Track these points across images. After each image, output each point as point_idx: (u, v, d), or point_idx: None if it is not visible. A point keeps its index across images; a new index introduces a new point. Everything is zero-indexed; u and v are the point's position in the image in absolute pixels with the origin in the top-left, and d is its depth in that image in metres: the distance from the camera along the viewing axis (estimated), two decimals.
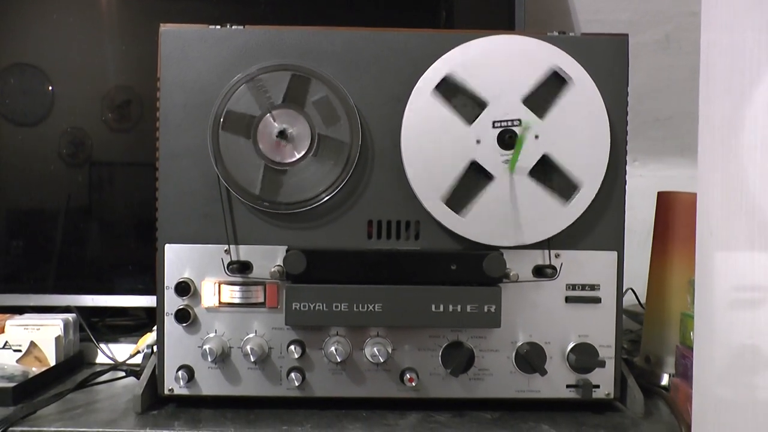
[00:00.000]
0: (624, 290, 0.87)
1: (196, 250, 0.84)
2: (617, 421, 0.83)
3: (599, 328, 0.85)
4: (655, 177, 1.32)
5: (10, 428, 0.77)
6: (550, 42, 0.83)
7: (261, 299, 0.84)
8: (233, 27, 0.84)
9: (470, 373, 0.85)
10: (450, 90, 0.83)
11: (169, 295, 0.84)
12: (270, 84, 0.82)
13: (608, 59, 0.84)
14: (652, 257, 1.00)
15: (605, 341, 0.85)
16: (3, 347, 0.97)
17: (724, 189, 0.63)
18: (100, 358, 1.05)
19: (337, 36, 0.84)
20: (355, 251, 0.82)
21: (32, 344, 0.97)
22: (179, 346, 0.84)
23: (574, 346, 0.85)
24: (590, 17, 1.32)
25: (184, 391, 0.84)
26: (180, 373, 0.83)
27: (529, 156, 0.82)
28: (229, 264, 0.83)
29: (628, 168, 0.85)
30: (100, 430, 0.78)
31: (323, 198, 0.83)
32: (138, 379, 0.86)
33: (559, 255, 0.85)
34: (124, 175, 1.14)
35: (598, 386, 0.85)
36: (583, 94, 0.83)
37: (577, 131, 0.83)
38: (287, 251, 0.82)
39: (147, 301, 1.10)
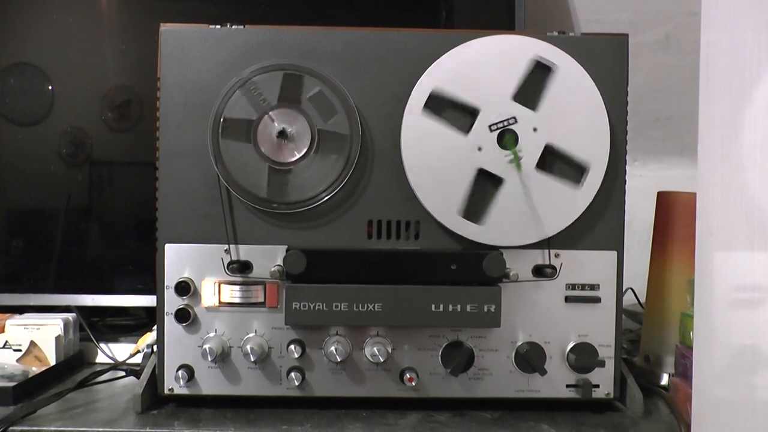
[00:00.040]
0: (624, 290, 0.87)
1: (196, 249, 0.84)
2: (617, 421, 0.83)
3: (599, 327, 0.85)
4: (655, 177, 1.32)
5: (10, 428, 0.77)
6: (550, 42, 0.83)
7: (261, 299, 0.84)
8: (233, 27, 0.84)
9: (470, 373, 0.85)
10: (440, 105, 0.83)
11: (169, 294, 0.84)
12: (264, 86, 0.82)
13: (608, 59, 0.84)
14: (652, 257, 1.00)
15: (605, 341, 0.85)
16: (3, 347, 0.97)
17: (724, 189, 0.63)
18: (100, 358, 1.05)
19: (337, 36, 0.84)
20: (355, 251, 0.82)
21: (32, 344, 0.97)
22: (179, 345, 0.84)
23: (574, 346, 0.85)
24: (590, 17, 1.32)
25: (184, 391, 0.84)
26: (180, 372, 0.83)
27: (532, 150, 0.82)
28: (229, 264, 0.83)
29: (628, 168, 0.85)
30: (100, 429, 0.78)
31: (323, 197, 0.83)
32: (138, 378, 0.86)
33: (558, 255, 0.85)
34: (124, 174, 1.14)
35: (597, 386, 0.85)
36: (570, 76, 0.83)
37: (571, 114, 0.83)
38: (287, 251, 0.82)
39: (147, 300, 1.10)
